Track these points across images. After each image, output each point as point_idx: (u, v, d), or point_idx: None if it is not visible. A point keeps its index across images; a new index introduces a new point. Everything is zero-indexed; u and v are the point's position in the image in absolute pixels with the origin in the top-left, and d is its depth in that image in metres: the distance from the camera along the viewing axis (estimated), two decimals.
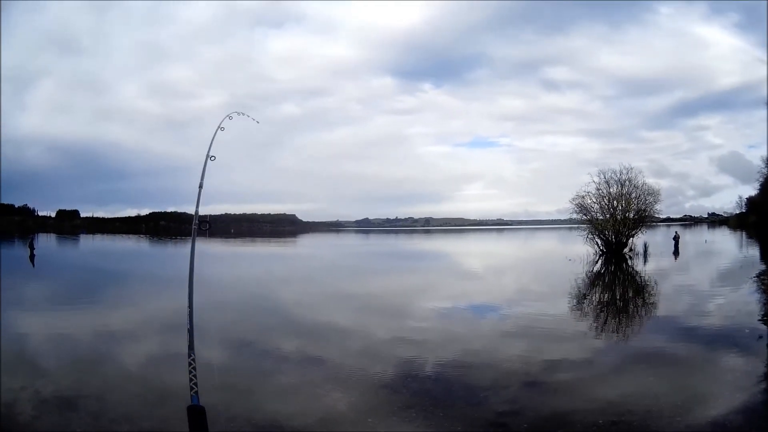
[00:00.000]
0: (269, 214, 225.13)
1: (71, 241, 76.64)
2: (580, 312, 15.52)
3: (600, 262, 31.10)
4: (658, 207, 35.93)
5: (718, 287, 19.31)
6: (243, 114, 6.16)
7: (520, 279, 25.24)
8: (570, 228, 40.30)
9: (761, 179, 77.15)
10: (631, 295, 19.39)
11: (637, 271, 26.24)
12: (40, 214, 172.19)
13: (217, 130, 5.81)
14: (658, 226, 50.73)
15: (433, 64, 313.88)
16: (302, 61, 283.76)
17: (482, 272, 30.33)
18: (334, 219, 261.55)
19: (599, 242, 35.03)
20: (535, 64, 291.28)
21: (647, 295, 18.66)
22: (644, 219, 35.42)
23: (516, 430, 6.51)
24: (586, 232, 35.27)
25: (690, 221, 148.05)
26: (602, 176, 35.41)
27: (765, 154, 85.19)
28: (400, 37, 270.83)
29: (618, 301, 17.99)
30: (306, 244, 78.47)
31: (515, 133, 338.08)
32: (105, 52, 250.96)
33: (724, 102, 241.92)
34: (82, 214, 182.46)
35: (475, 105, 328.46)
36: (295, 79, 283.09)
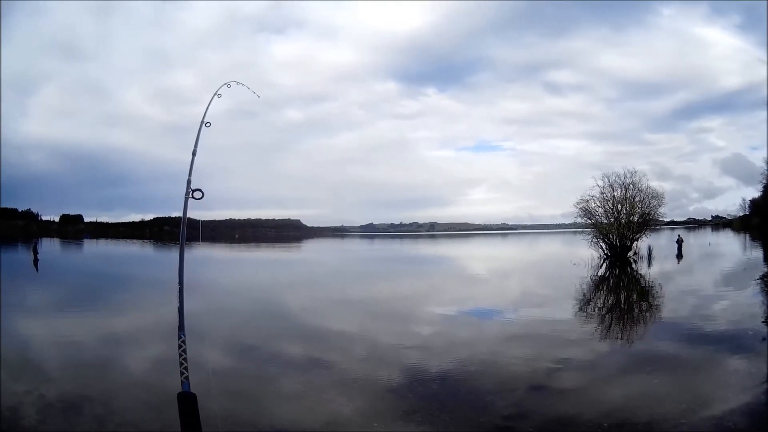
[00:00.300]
0: (273, 220, 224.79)
1: (75, 246, 76.68)
2: (585, 316, 15.51)
3: (604, 266, 31.04)
4: (662, 210, 35.88)
5: (722, 290, 19.31)
6: (241, 84, 6.10)
7: (524, 283, 25.23)
8: (574, 232, 40.31)
9: (764, 181, 77.13)
10: (635, 298, 19.38)
11: (641, 275, 26.19)
12: (44, 218, 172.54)
13: (213, 97, 5.77)
14: (662, 229, 50.57)
15: (436, 68, 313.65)
16: (305, 66, 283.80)
17: (487, 276, 30.29)
18: (339, 224, 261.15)
19: (604, 246, 34.95)
20: (537, 67, 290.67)
21: (651, 298, 18.63)
22: (648, 222, 35.34)
23: None
24: (590, 236, 35.22)
25: (694, 224, 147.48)
26: (606, 180, 35.39)
27: (766, 155, 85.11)
28: (402, 42, 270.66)
29: (623, 305, 17.99)
30: (311, 249, 78.39)
31: (519, 136, 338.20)
32: (109, 57, 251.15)
33: (726, 103, 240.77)
34: (86, 219, 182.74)
35: (479, 109, 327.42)
36: (298, 84, 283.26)
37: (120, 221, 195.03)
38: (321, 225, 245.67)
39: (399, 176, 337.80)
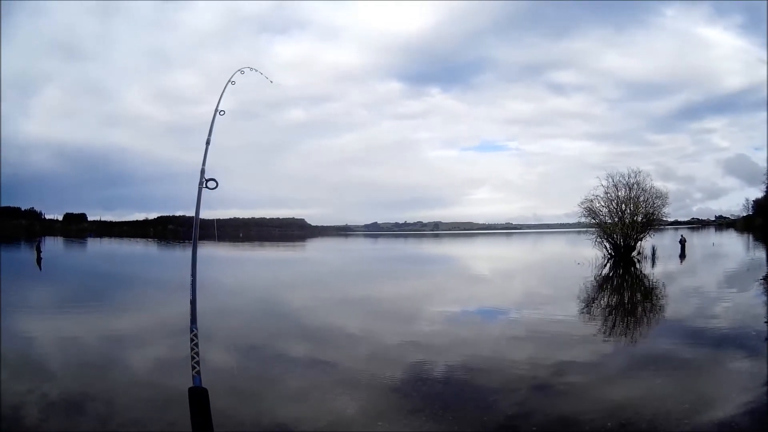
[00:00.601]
0: (278, 219, 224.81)
1: (78, 245, 76.79)
2: (588, 315, 15.53)
3: (608, 265, 31.03)
4: (665, 210, 35.86)
5: (725, 290, 19.28)
6: (254, 70, 6.08)
7: (529, 282, 25.26)
8: (578, 232, 40.23)
9: (767, 181, 76.97)
10: (639, 298, 19.38)
11: (645, 275, 26.19)
12: (47, 217, 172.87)
13: (227, 84, 5.78)
14: (666, 229, 50.51)
15: (439, 68, 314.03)
16: (308, 66, 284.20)
17: (491, 276, 30.31)
18: (343, 223, 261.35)
19: (608, 246, 34.92)
20: (540, 68, 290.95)
21: (655, 298, 18.63)
22: (652, 222, 35.29)
23: None
24: (594, 236, 35.17)
25: (697, 224, 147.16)
26: (610, 180, 35.37)
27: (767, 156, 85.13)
28: (405, 42, 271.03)
29: (626, 305, 17.99)
30: (315, 248, 78.44)
31: (522, 136, 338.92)
32: (110, 57, 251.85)
33: (729, 104, 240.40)
34: (90, 218, 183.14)
35: (482, 109, 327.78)
36: (301, 85, 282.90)
37: (123, 220, 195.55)
38: (325, 224, 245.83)
39: (402, 176, 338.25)
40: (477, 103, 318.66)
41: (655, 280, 23.37)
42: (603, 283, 23.74)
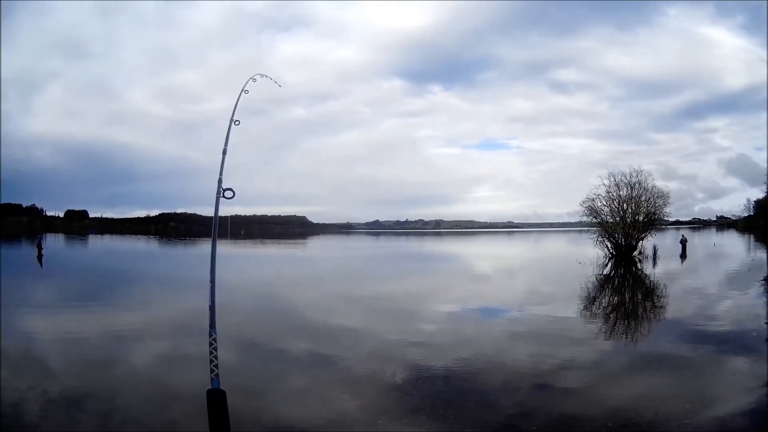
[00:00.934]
0: (279, 216, 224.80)
1: (79, 242, 76.86)
2: (590, 315, 15.53)
3: (610, 264, 31.04)
4: (667, 210, 35.88)
5: (726, 290, 19.29)
6: (265, 76, 6.15)
7: (530, 281, 25.26)
8: (580, 230, 40.22)
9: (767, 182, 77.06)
10: (640, 298, 19.39)
11: (646, 274, 26.20)
12: (49, 214, 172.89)
13: (241, 93, 5.84)
14: (667, 229, 50.48)
15: (441, 66, 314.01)
16: (311, 64, 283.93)
17: (493, 274, 30.31)
18: (345, 221, 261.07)
19: (609, 245, 34.93)
20: (543, 66, 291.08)
21: (656, 298, 18.63)
22: (654, 222, 35.29)
23: None
24: (596, 235, 35.17)
25: (699, 224, 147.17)
26: (612, 179, 35.37)
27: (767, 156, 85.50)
28: (408, 40, 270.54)
29: (627, 304, 17.99)
30: (316, 245, 78.52)
31: (524, 134, 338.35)
32: (114, 55, 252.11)
33: (731, 104, 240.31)
34: (91, 215, 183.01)
35: (484, 107, 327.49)
36: (304, 82, 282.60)
37: (125, 217, 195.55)
38: (327, 222, 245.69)
39: (405, 174, 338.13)
40: (479, 101, 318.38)
41: (656, 280, 23.37)
42: (604, 283, 23.75)
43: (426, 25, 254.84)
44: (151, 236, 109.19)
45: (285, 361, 10.16)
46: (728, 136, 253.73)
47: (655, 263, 31.44)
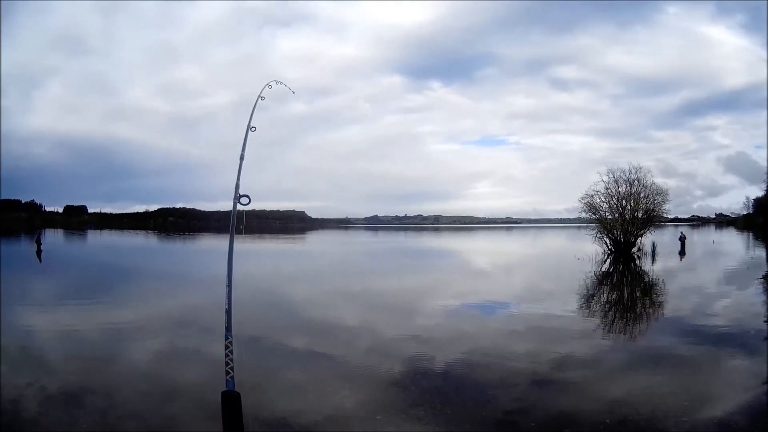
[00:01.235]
0: (278, 211, 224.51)
1: (79, 237, 76.80)
2: (588, 311, 15.52)
3: (608, 261, 31.08)
4: (666, 207, 35.94)
5: (725, 288, 19.32)
6: (280, 83, 6.18)
7: (528, 277, 25.27)
8: (579, 227, 40.28)
9: (767, 180, 77.18)
10: (638, 294, 19.40)
11: (644, 271, 26.21)
12: (48, 209, 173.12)
13: (257, 100, 5.85)
14: (666, 226, 50.59)
15: (441, 62, 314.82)
16: (311, 60, 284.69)
17: (491, 270, 30.32)
18: (344, 216, 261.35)
19: (608, 241, 35.01)
20: (543, 63, 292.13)
21: (654, 295, 18.64)
22: (653, 219, 35.37)
23: (524, 428, 6.56)
24: (594, 232, 35.23)
25: (698, 221, 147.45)
26: (611, 175, 35.42)
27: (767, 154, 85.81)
28: (408, 36, 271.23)
29: (626, 301, 18.01)
30: (315, 240, 78.46)
31: (524, 131, 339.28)
32: (114, 52, 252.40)
33: (731, 102, 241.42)
34: (90, 210, 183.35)
35: (484, 103, 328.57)
36: (304, 78, 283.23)
37: (124, 212, 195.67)
38: (326, 217, 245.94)
39: (404, 169, 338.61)
40: (479, 98, 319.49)
41: (654, 277, 23.38)
42: (603, 279, 23.76)
43: (426, 21, 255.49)
44: (150, 231, 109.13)
45: (282, 355, 10.15)
46: (728, 134, 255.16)
47: (653, 260, 31.46)
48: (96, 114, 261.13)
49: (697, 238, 58.90)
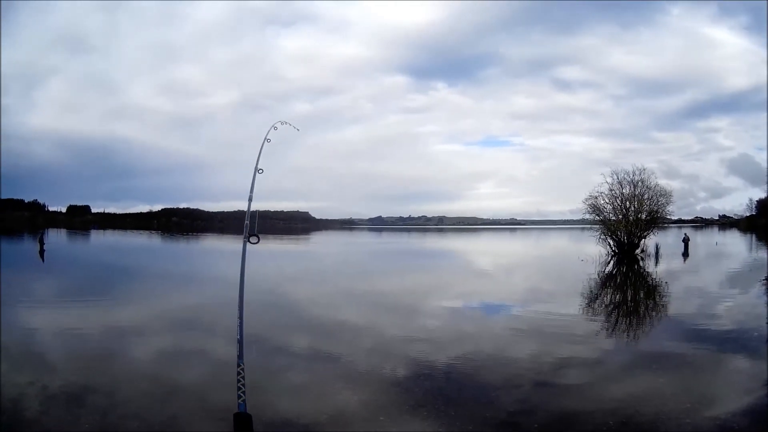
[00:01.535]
0: (282, 212, 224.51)
1: (82, 237, 76.88)
2: (591, 312, 15.52)
3: (612, 262, 31.04)
4: (669, 208, 35.88)
5: (728, 290, 19.28)
6: (286, 123, 6.24)
7: (532, 278, 25.26)
8: (582, 228, 40.26)
9: None
10: (642, 296, 19.37)
11: (648, 273, 26.16)
12: (51, 209, 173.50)
13: (264, 142, 5.90)
14: (669, 227, 50.53)
15: (444, 62, 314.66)
16: (314, 59, 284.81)
17: (495, 271, 30.32)
18: (348, 217, 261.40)
19: (611, 243, 34.97)
20: (546, 64, 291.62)
21: (658, 296, 18.61)
22: (656, 220, 35.33)
23: (527, 429, 6.56)
24: (598, 233, 35.19)
25: (701, 223, 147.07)
26: (615, 177, 35.40)
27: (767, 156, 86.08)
28: (411, 36, 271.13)
29: (629, 303, 17.99)
30: (319, 241, 78.49)
31: (527, 132, 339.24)
32: (116, 51, 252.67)
33: (734, 103, 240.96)
34: (93, 210, 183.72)
35: (487, 104, 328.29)
36: (306, 77, 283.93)
37: (127, 212, 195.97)
38: (329, 217, 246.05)
39: (407, 170, 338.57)
40: (482, 98, 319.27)
41: (658, 279, 23.30)
42: (606, 281, 23.72)
43: (429, 21, 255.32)
44: (153, 231, 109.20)
45: (285, 356, 10.15)
46: (730, 135, 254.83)
47: (657, 261, 31.40)
48: (97, 113, 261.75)
49: (701, 240, 58.74)
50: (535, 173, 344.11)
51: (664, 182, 42.62)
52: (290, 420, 6.81)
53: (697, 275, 25.06)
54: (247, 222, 4.91)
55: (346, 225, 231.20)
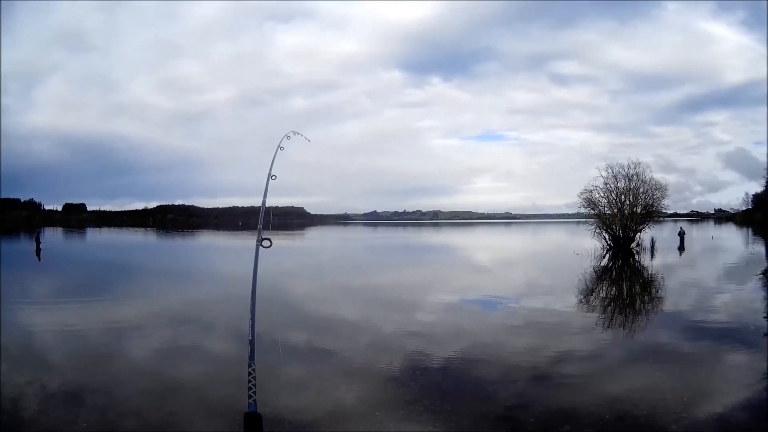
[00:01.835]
0: (277, 207, 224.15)
1: (78, 235, 76.78)
2: (587, 306, 15.53)
3: (607, 256, 31.07)
4: (665, 202, 35.91)
5: (724, 284, 19.33)
6: (298, 133, 6.26)
7: (527, 273, 25.31)
8: (578, 222, 40.28)
9: (766, 176, 77.27)
10: (637, 290, 19.40)
11: (643, 266, 26.23)
12: (47, 207, 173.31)
13: (277, 150, 5.91)
14: (665, 221, 50.61)
15: (441, 57, 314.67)
16: (312, 55, 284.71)
17: (490, 266, 30.36)
18: (343, 212, 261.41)
19: (607, 237, 34.96)
20: (544, 59, 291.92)
21: (653, 290, 18.65)
22: (651, 214, 35.31)
23: (524, 424, 6.56)
24: (593, 227, 35.19)
25: (697, 217, 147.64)
26: (610, 171, 35.37)
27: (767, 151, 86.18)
28: (408, 31, 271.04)
29: (625, 296, 18.01)
30: (314, 236, 78.55)
31: (524, 126, 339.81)
32: (115, 49, 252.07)
33: (731, 98, 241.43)
34: (89, 208, 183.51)
35: (485, 98, 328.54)
36: (304, 73, 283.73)
37: (124, 209, 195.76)
38: (325, 212, 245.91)
39: (404, 164, 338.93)
40: (479, 93, 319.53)
41: (653, 272, 23.39)
42: (602, 274, 23.76)
43: (427, 17, 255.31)
44: (149, 228, 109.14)
45: (282, 351, 10.11)
46: (727, 130, 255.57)
47: (652, 255, 31.49)
48: (96, 111, 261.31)
49: (696, 234, 58.96)
50: (533, 168, 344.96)
51: (660, 176, 42.66)
52: (287, 415, 6.79)
53: (693, 269, 25.12)
54: (260, 226, 4.89)
55: (342, 220, 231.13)
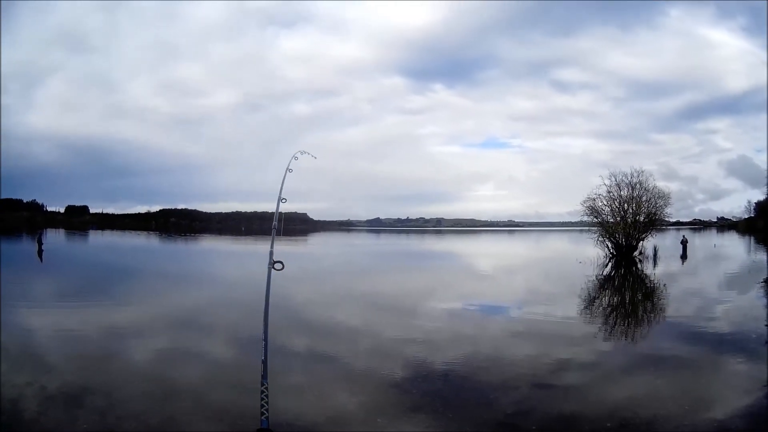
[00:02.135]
0: (280, 213, 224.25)
1: (80, 237, 76.83)
2: (589, 314, 15.52)
3: (610, 265, 31.01)
4: (668, 210, 35.80)
5: (726, 292, 19.31)
6: (306, 153, 6.31)
7: (530, 281, 25.24)
8: (581, 230, 40.22)
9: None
10: (640, 298, 19.37)
11: (646, 275, 26.17)
12: (49, 209, 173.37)
13: (286, 173, 5.95)
14: (668, 229, 50.55)
15: (443, 64, 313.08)
16: (313, 60, 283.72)
17: (493, 273, 30.29)
18: (345, 218, 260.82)
19: (609, 245, 34.87)
20: (545, 65, 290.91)
21: (656, 298, 18.63)
22: (654, 222, 35.23)
23: (525, 431, 6.56)
24: (596, 235, 35.14)
25: (699, 225, 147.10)
26: (613, 179, 35.32)
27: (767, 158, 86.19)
28: (410, 37, 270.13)
29: (627, 305, 17.98)
30: (317, 242, 78.43)
31: (526, 133, 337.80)
32: (116, 50, 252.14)
33: (732, 105, 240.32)
34: (92, 210, 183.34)
35: (486, 105, 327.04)
36: (306, 78, 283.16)
37: (126, 212, 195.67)
38: (327, 219, 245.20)
39: (406, 171, 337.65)
40: (481, 100, 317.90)
41: (656, 281, 23.35)
42: (604, 283, 23.72)
43: (428, 23, 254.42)
44: (151, 232, 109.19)
45: (283, 357, 10.11)
46: (729, 137, 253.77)
47: (655, 264, 31.41)
48: (97, 112, 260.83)
49: (699, 242, 58.84)
50: (535, 175, 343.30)
51: (662, 184, 42.43)
52: (287, 420, 6.79)
53: (696, 277, 25.11)
54: (271, 249, 4.95)
55: (344, 227, 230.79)
